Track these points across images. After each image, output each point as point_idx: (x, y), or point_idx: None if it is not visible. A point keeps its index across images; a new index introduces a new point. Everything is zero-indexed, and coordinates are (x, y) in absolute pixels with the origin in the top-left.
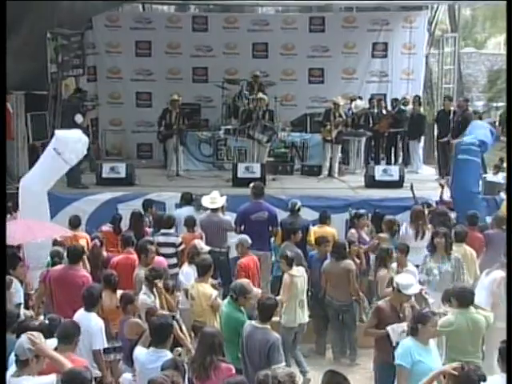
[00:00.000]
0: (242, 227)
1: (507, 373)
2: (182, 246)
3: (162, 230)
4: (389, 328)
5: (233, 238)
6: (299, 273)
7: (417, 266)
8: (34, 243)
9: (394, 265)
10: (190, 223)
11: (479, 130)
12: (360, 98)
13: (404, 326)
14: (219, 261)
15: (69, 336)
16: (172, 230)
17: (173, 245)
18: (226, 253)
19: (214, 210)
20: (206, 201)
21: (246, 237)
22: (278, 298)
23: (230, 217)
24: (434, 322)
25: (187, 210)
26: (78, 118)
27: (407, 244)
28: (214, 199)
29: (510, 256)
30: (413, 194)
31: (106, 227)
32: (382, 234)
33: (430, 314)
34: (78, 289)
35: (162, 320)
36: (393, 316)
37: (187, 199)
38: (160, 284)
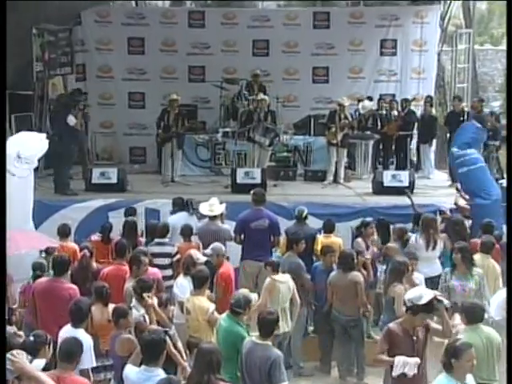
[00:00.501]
0: (242, 236)
1: (507, 372)
2: (178, 256)
3: (157, 240)
4: (397, 359)
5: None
6: (283, 279)
7: (430, 279)
8: (17, 254)
9: None
10: (186, 232)
11: (461, 136)
12: (370, 98)
13: (418, 361)
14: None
15: (71, 355)
16: (167, 239)
17: (168, 255)
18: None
19: (213, 218)
20: (204, 208)
21: (220, 246)
22: (257, 302)
23: (228, 225)
24: (470, 354)
25: (181, 217)
26: (71, 120)
27: (415, 254)
28: (212, 206)
29: (510, 256)
30: (411, 201)
31: (95, 237)
32: (391, 244)
33: (464, 346)
34: (64, 303)
35: (153, 336)
36: (406, 340)
37: (178, 204)
38: (149, 297)
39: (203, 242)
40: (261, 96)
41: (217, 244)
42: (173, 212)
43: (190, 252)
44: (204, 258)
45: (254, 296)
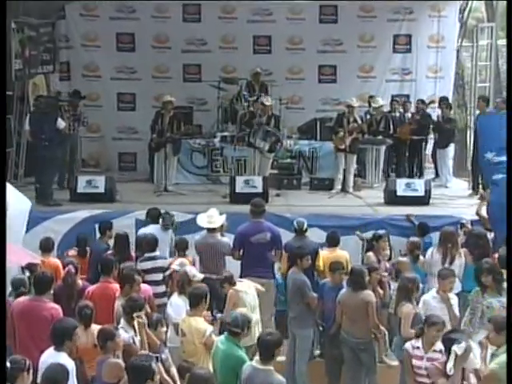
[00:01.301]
0: (241, 251)
1: (507, 371)
2: (170, 271)
3: (147, 254)
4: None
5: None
6: (245, 288)
7: None
8: None
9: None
10: (181, 246)
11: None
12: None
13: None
14: (215, 290)
15: (56, 383)
16: (157, 253)
17: (160, 269)
18: (223, 281)
19: (211, 231)
20: (202, 220)
21: (184, 261)
22: (218, 315)
23: (228, 239)
24: None
25: (152, 230)
26: (60, 124)
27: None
28: (211, 218)
29: (510, 256)
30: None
31: (73, 251)
32: (402, 259)
33: None
34: (45, 324)
35: (141, 361)
36: None
37: (153, 216)
38: (139, 317)
39: (201, 256)
40: (267, 100)
41: (182, 260)
42: (145, 224)
43: (186, 269)
44: (201, 276)
45: (255, 317)
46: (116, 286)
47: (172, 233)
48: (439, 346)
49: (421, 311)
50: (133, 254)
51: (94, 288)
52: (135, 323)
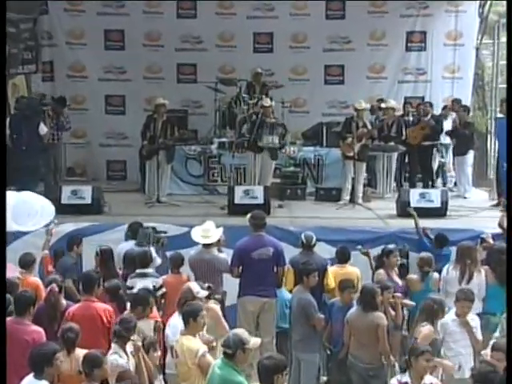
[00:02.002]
0: (240, 268)
1: (507, 370)
2: (163, 291)
3: (138, 270)
4: None
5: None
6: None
7: None
8: None
9: None
10: (175, 262)
11: None
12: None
13: None
14: None
15: None
16: (150, 270)
17: (152, 288)
18: (220, 300)
19: (207, 246)
20: (196, 234)
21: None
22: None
23: (226, 254)
24: None
25: (128, 246)
26: (42, 129)
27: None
28: (207, 232)
29: (510, 257)
30: (415, 221)
31: (50, 266)
32: (412, 276)
33: None
34: (26, 349)
35: None
36: None
37: (134, 231)
38: (135, 340)
39: (195, 273)
40: (265, 101)
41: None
42: (126, 238)
43: (189, 285)
44: (205, 293)
45: (254, 340)
46: (100, 305)
47: (155, 252)
48: (429, 379)
49: (439, 335)
50: (119, 271)
51: (74, 308)
52: (128, 347)
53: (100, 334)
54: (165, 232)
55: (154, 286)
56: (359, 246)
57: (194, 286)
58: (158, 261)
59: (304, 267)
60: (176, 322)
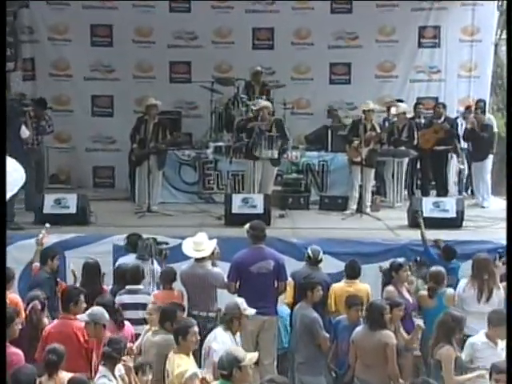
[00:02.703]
0: (238, 283)
1: (507, 371)
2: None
3: (128, 287)
4: None
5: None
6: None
7: None
8: None
9: None
10: (167, 277)
11: None
12: (400, 101)
13: None
14: (206, 330)
15: None
16: (141, 286)
17: (142, 306)
18: (214, 318)
19: (200, 260)
20: (187, 247)
21: (100, 312)
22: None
23: (220, 269)
24: None
25: (130, 260)
26: (24, 132)
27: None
28: (199, 245)
29: (510, 257)
30: (421, 231)
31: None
32: (423, 292)
33: None
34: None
35: None
36: None
37: (133, 244)
38: (125, 361)
39: (188, 289)
40: (262, 103)
41: (97, 309)
42: (124, 252)
43: (237, 300)
44: (253, 311)
45: (250, 355)
46: (78, 323)
47: (157, 264)
48: None
49: (465, 356)
50: (105, 287)
51: (51, 326)
52: (117, 370)
53: (77, 354)
54: (166, 243)
55: (145, 304)
56: (380, 264)
57: (242, 302)
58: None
59: (308, 281)
60: (223, 337)
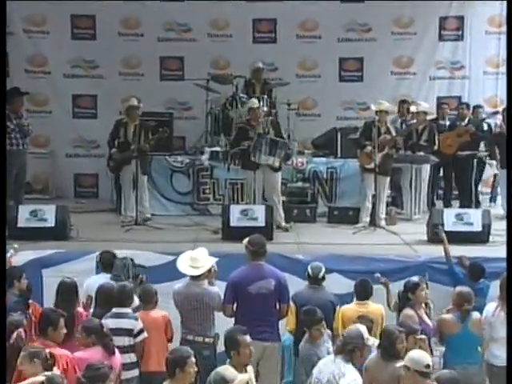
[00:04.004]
0: (235, 305)
1: (507, 371)
2: (144, 335)
3: (114, 309)
4: None
5: None
6: None
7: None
8: None
9: None
10: (146, 297)
11: None
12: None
13: None
14: (202, 357)
15: None
16: (128, 310)
17: (127, 332)
18: (212, 344)
19: (196, 278)
20: (183, 263)
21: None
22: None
23: (219, 288)
24: None
25: (97, 281)
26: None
27: None
28: (196, 261)
29: (509, 258)
30: (445, 248)
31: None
32: (445, 316)
33: None
34: None
35: None
36: None
37: (106, 262)
38: None
39: (182, 311)
40: (252, 103)
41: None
42: (96, 271)
43: (359, 328)
44: (376, 340)
45: (241, 376)
46: (58, 350)
47: (137, 288)
48: None
49: None
50: (80, 309)
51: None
52: None
53: None
54: (143, 267)
55: (131, 330)
56: (377, 274)
57: (364, 331)
58: (137, 301)
59: (306, 317)
60: (350, 371)
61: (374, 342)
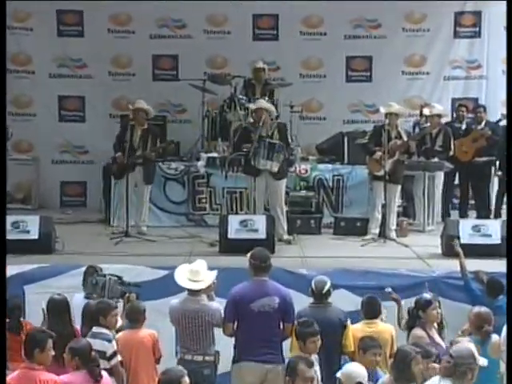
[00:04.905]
0: (236, 323)
1: (507, 372)
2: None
3: (94, 329)
4: None
5: None
6: None
7: None
8: None
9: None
10: (133, 316)
11: None
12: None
13: None
14: (202, 377)
15: None
16: (104, 330)
17: (101, 355)
18: (212, 363)
19: (194, 293)
20: (182, 276)
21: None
22: None
23: (219, 304)
24: None
25: (77, 299)
26: None
27: None
28: (196, 274)
29: (509, 258)
30: (461, 263)
31: None
32: (462, 338)
33: None
34: None
35: None
36: None
37: (89, 278)
38: None
39: (179, 329)
40: (260, 103)
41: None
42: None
43: (470, 347)
44: (485, 361)
45: None
46: (45, 375)
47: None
48: None
49: None
50: (77, 327)
51: (10, 378)
52: None
53: None
54: (138, 285)
55: (104, 352)
56: (388, 289)
57: (474, 349)
58: (120, 321)
59: (303, 330)
60: None
61: (483, 362)
